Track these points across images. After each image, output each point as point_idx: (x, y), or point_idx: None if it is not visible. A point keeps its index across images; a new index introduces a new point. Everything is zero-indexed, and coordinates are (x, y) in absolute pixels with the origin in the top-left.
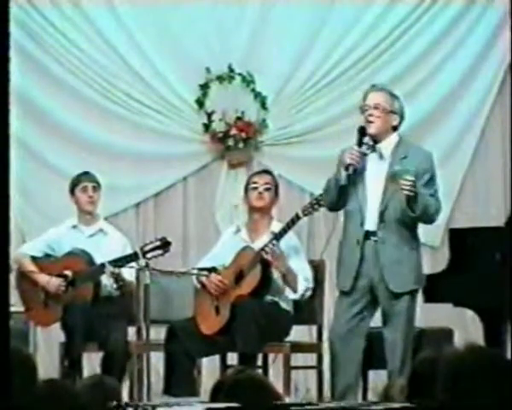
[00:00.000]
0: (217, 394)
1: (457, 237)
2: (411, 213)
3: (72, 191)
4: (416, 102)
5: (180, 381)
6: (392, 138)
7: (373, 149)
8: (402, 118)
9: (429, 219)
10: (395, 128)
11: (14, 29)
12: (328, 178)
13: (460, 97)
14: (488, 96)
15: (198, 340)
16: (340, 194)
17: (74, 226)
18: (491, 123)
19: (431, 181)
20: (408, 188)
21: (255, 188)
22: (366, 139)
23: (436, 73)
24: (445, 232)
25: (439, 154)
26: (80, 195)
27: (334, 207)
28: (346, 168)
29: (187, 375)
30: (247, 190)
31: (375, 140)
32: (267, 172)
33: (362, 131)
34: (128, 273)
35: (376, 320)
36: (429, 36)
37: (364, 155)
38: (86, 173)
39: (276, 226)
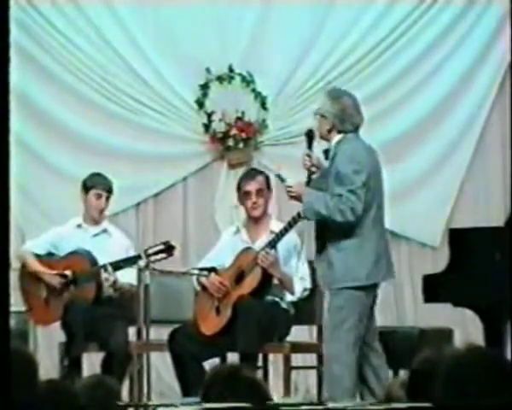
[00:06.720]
0: (210, 387)
1: (457, 237)
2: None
3: (85, 191)
4: (416, 103)
5: (195, 383)
6: (335, 139)
7: (326, 153)
8: (336, 118)
9: (326, 218)
10: (339, 131)
11: (14, 29)
12: None
13: (460, 97)
14: (488, 96)
15: (200, 343)
16: None
17: (79, 225)
18: (491, 123)
19: (338, 179)
20: (288, 192)
21: (248, 195)
22: (315, 143)
23: (436, 73)
24: (445, 232)
25: (439, 154)
26: (93, 200)
27: None
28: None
29: (199, 376)
30: (239, 191)
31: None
32: (256, 174)
33: (309, 135)
34: (127, 276)
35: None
36: (429, 36)
37: (326, 158)
38: (103, 179)
39: (276, 224)
